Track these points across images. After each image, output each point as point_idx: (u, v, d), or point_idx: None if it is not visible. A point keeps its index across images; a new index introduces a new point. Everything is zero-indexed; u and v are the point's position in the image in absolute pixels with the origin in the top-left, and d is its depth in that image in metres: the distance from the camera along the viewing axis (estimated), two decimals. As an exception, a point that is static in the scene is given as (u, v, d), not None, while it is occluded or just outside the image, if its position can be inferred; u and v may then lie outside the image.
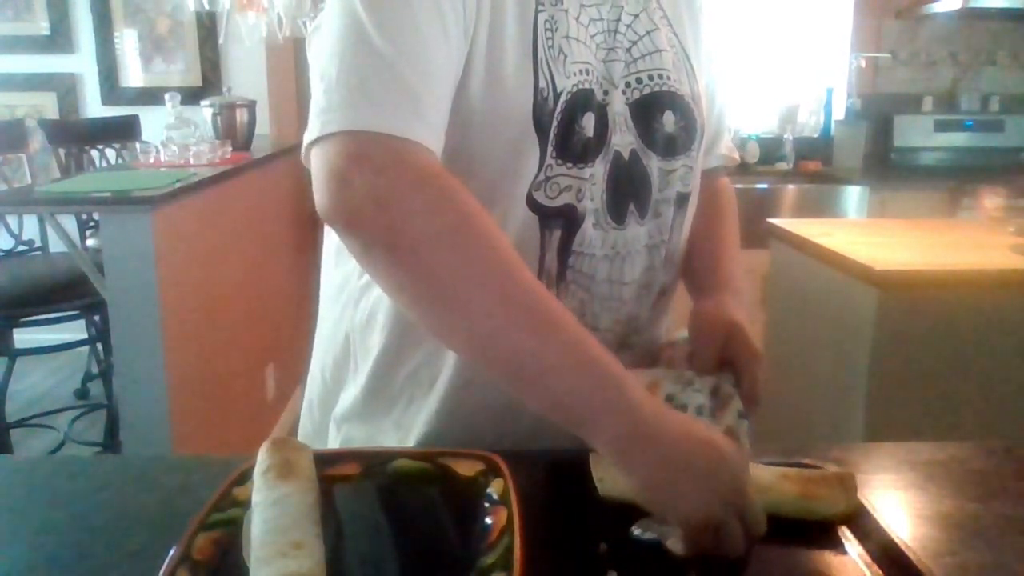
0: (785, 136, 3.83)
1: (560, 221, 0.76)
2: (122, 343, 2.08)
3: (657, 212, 0.83)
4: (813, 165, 3.77)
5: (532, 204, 0.75)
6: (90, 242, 2.93)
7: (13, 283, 2.53)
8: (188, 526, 0.63)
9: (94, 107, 3.71)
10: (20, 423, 2.92)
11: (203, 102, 2.96)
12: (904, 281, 1.77)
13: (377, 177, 0.63)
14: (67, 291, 2.48)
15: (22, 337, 2.71)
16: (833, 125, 3.86)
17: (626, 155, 0.79)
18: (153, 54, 3.65)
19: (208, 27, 3.58)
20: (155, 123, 3.02)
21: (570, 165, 0.75)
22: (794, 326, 2.25)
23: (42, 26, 3.65)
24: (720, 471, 0.61)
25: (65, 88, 3.70)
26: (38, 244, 3.03)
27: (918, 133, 3.80)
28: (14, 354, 2.68)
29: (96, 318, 2.74)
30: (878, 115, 3.80)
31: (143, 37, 3.64)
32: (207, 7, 3.03)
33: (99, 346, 2.97)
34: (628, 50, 0.80)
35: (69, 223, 2.80)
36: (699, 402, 0.74)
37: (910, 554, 0.62)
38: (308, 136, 0.67)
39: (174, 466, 0.87)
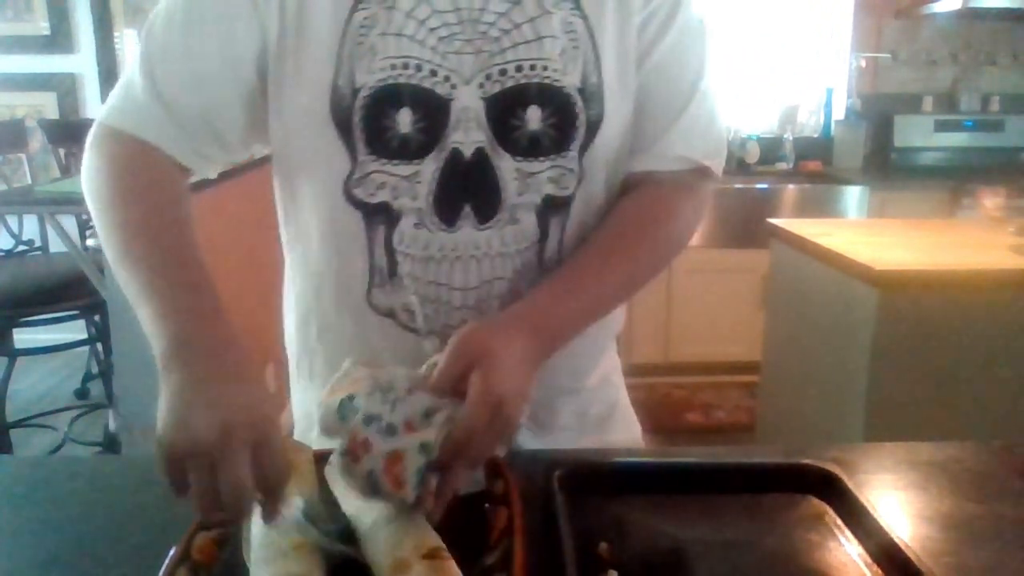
0: (785, 136, 3.83)
1: (381, 218, 0.76)
2: (122, 343, 2.08)
3: (514, 218, 0.77)
4: (813, 165, 3.77)
5: (352, 200, 0.76)
6: (90, 242, 2.92)
7: (13, 283, 2.53)
8: (188, 526, 0.63)
9: (94, 107, 3.70)
10: (20, 423, 2.92)
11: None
12: (904, 281, 1.77)
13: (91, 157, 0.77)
14: (67, 291, 2.48)
15: (22, 337, 2.71)
16: (833, 125, 3.87)
17: (468, 153, 0.75)
18: (153, 54, 3.66)
19: (208, 27, 3.58)
20: (155, 123, 3.01)
21: (385, 162, 0.74)
22: (794, 326, 2.25)
23: (42, 26, 3.65)
24: (237, 397, 0.56)
25: (65, 88, 3.70)
26: (38, 244, 3.03)
27: (918, 133, 3.80)
28: (14, 354, 2.68)
29: (96, 318, 2.74)
30: (878, 115, 3.80)
31: (143, 37, 3.64)
32: (207, 7, 3.02)
33: (99, 346, 2.97)
34: (496, 40, 0.74)
35: (69, 223, 2.80)
36: (387, 419, 0.61)
37: (910, 554, 0.62)
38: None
39: (174, 466, 0.86)
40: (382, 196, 0.76)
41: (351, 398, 0.64)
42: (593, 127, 0.78)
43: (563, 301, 0.75)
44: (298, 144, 0.77)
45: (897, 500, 0.77)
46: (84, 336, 2.92)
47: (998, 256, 1.89)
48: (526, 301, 0.75)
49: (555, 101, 0.76)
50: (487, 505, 0.69)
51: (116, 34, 3.64)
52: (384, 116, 0.73)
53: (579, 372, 0.90)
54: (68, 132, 3.20)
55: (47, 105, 3.70)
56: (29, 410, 3.10)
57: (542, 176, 0.77)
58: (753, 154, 3.80)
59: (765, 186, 3.50)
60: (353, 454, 0.61)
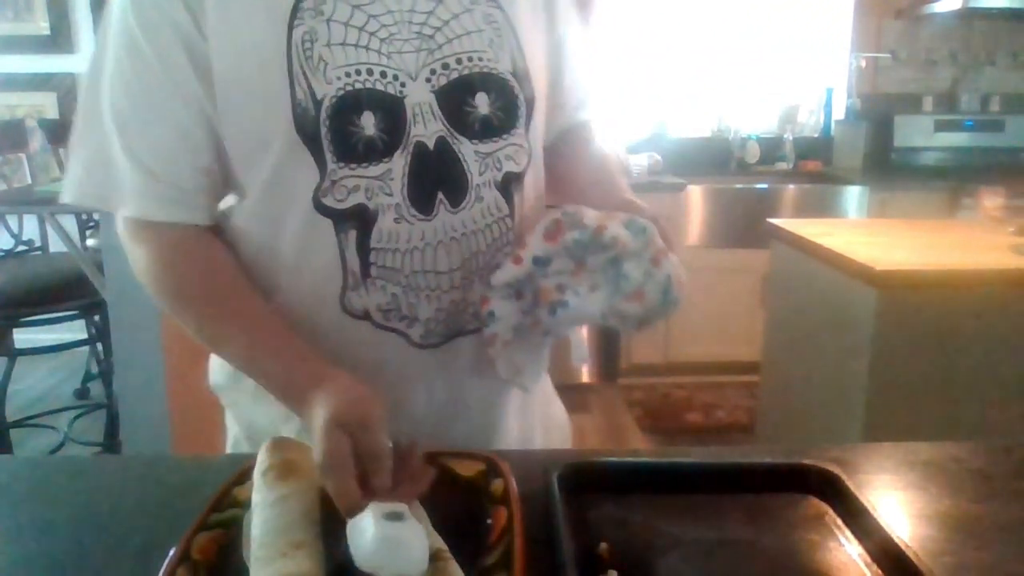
0: (785, 136, 3.83)
1: (353, 222, 0.78)
2: (122, 343, 2.08)
3: (480, 196, 0.82)
4: (813, 165, 3.77)
5: (322, 209, 0.78)
6: (90, 242, 2.93)
7: (13, 283, 2.53)
8: (188, 526, 0.63)
9: (94, 107, 3.70)
10: (20, 423, 2.92)
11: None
12: (904, 281, 1.77)
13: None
14: (67, 291, 2.48)
15: (22, 337, 2.71)
16: (833, 125, 3.87)
17: (431, 144, 0.79)
18: (153, 54, 3.66)
19: (208, 27, 3.58)
20: (155, 123, 3.01)
21: (354, 166, 0.77)
22: (794, 326, 2.25)
23: (42, 26, 3.66)
24: (339, 402, 0.68)
25: (65, 88, 3.70)
26: (38, 244, 3.03)
27: (918, 133, 3.80)
28: (14, 354, 2.68)
29: (96, 318, 2.74)
30: (878, 115, 3.80)
31: (143, 37, 3.64)
32: (207, 7, 3.02)
33: (99, 346, 2.97)
34: (431, 37, 0.80)
35: (69, 223, 2.80)
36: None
37: (910, 554, 0.62)
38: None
39: (174, 466, 0.87)
40: (355, 199, 0.78)
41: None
42: (531, 104, 0.86)
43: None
44: (259, 165, 0.79)
45: (897, 500, 0.77)
46: (84, 336, 2.92)
47: (998, 256, 1.89)
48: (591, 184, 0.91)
49: (496, 86, 0.82)
50: (487, 505, 0.69)
51: (116, 34, 3.64)
52: (349, 122, 0.76)
53: None
54: (68, 132, 3.19)
55: (47, 105, 3.70)
56: (29, 410, 3.10)
57: (499, 154, 0.83)
58: (753, 154, 3.80)
59: (765, 186, 3.50)
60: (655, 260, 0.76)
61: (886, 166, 3.78)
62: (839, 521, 0.71)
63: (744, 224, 3.25)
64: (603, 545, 0.66)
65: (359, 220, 0.78)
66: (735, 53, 3.86)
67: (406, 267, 0.80)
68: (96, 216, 2.76)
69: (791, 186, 3.47)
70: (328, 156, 0.76)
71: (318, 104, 0.75)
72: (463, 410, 0.89)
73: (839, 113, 3.88)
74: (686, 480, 0.76)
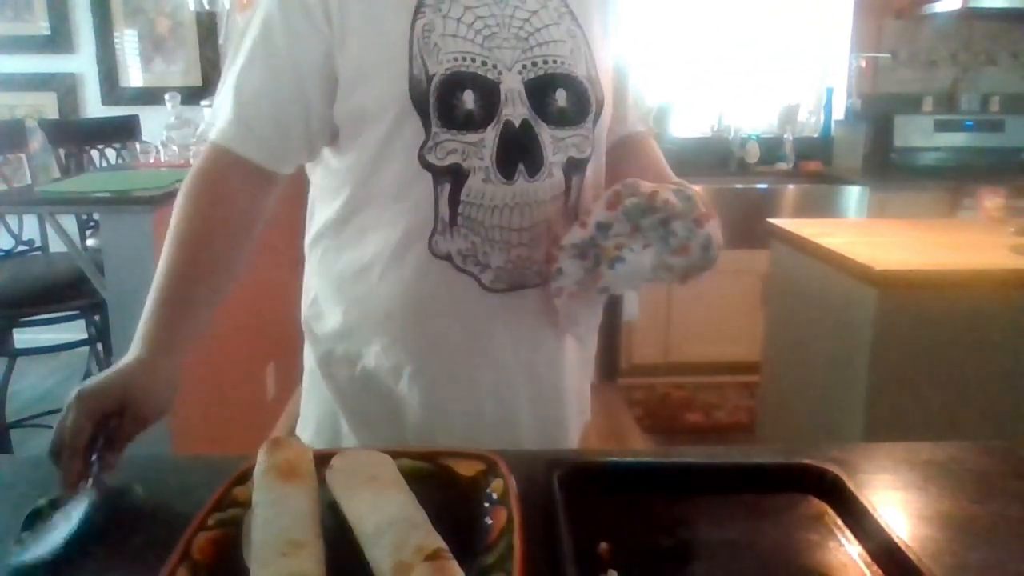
0: (785, 136, 3.84)
1: (449, 177, 0.94)
2: (122, 343, 2.07)
3: (551, 173, 0.98)
4: (813, 165, 3.77)
5: (424, 163, 0.94)
6: (90, 242, 2.92)
7: (13, 283, 2.52)
8: (188, 526, 0.63)
9: (94, 107, 3.71)
10: (20, 423, 2.92)
11: (203, 102, 2.96)
12: (904, 281, 1.78)
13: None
14: (67, 291, 2.48)
15: (22, 337, 2.71)
16: (833, 125, 3.87)
17: (517, 124, 0.96)
18: (153, 54, 3.66)
19: (208, 27, 3.59)
20: (155, 123, 3.02)
21: (455, 132, 0.93)
22: (794, 326, 2.25)
23: (42, 26, 3.66)
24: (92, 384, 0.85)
25: (65, 88, 3.70)
26: (38, 244, 3.02)
27: (918, 133, 3.80)
28: (14, 354, 2.68)
29: (96, 318, 2.74)
30: (878, 115, 3.80)
31: (143, 37, 3.64)
32: (207, 7, 3.03)
33: (99, 346, 2.97)
34: (525, 40, 0.97)
35: (69, 223, 2.80)
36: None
37: (910, 554, 0.62)
38: None
39: (174, 466, 0.87)
40: (452, 159, 0.94)
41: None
42: (600, 106, 1.02)
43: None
44: (377, 125, 0.94)
45: (897, 500, 0.77)
46: (84, 336, 2.92)
47: (998, 256, 1.89)
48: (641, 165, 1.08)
49: (574, 86, 0.99)
50: (487, 505, 0.69)
51: (116, 34, 3.64)
52: (453, 97, 0.93)
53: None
54: (68, 132, 3.20)
55: (47, 105, 3.70)
56: (29, 410, 3.10)
57: (568, 141, 0.99)
58: (753, 154, 3.80)
59: (765, 186, 3.50)
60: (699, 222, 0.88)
61: (886, 166, 3.78)
62: (839, 521, 0.71)
63: (744, 224, 3.24)
64: (603, 545, 0.66)
65: (454, 176, 0.94)
66: (735, 53, 3.86)
67: (487, 220, 0.95)
68: (96, 216, 2.76)
69: (791, 186, 3.47)
70: (434, 121, 0.93)
71: (430, 79, 0.92)
72: (530, 356, 1.02)
73: (839, 113, 3.88)
74: (686, 480, 0.76)
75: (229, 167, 0.98)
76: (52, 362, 3.49)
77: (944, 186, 3.29)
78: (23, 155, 2.98)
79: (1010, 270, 1.80)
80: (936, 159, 3.79)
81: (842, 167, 3.75)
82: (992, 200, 2.42)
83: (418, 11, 0.95)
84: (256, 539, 0.61)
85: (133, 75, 3.68)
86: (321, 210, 1.05)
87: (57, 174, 3.03)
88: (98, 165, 3.15)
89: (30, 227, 3.02)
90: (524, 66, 0.97)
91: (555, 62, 0.98)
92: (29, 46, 3.67)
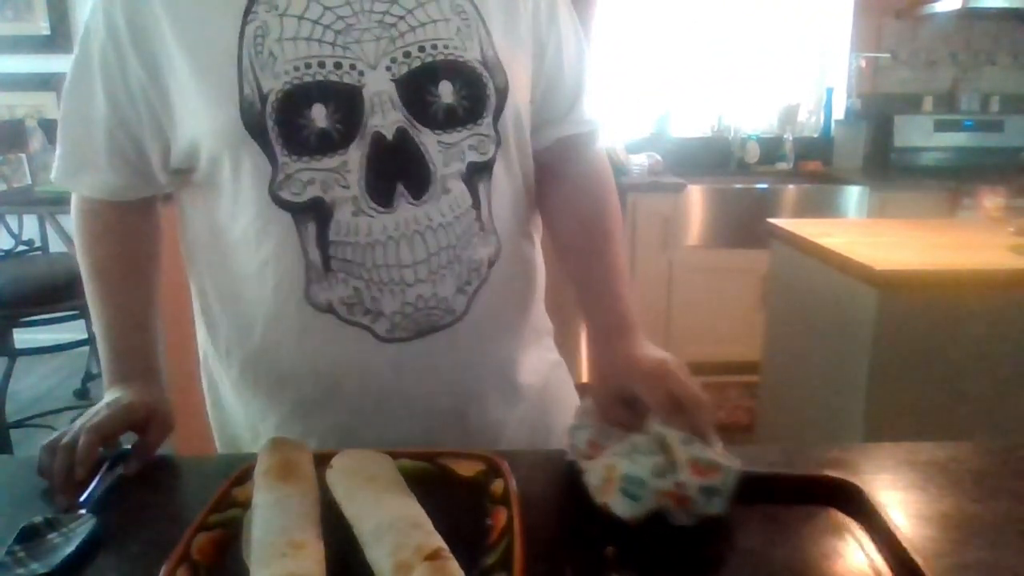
0: (785, 136, 3.83)
1: (311, 215, 0.78)
2: (122, 343, 2.08)
3: (445, 188, 0.80)
4: (813, 165, 3.77)
5: (280, 203, 0.78)
6: (90, 242, 2.92)
7: (13, 283, 2.53)
8: (188, 526, 0.63)
9: (94, 107, 3.71)
10: (20, 423, 2.92)
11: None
12: (904, 281, 1.77)
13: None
14: (67, 291, 2.48)
15: (22, 337, 2.71)
16: (833, 125, 3.86)
17: (390, 135, 0.78)
18: (153, 54, 3.66)
19: (208, 27, 3.58)
20: (155, 123, 3.01)
21: (308, 159, 0.77)
22: (794, 326, 2.25)
23: (42, 26, 3.65)
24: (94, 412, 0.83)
25: (65, 88, 3.70)
26: (38, 244, 3.03)
27: (918, 133, 3.80)
28: (14, 354, 2.68)
29: (96, 318, 2.73)
30: (878, 115, 3.80)
31: (143, 37, 3.64)
32: (207, 7, 3.02)
33: (99, 346, 2.97)
34: (392, 26, 0.78)
35: (69, 223, 2.80)
36: (652, 463, 0.70)
37: (914, 555, 0.62)
38: None
39: (174, 466, 0.87)
40: (311, 192, 0.78)
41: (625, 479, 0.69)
42: (502, 94, 0.83)
43: (628, 295, 0.88)
44: (215, 161, 0.79)
45: (897, 500, 0.77)
46: (84, 336, 2.92)
47: (998, 256, 1.89)
48: (615, 308, 0.86)
49: (463, 74, 0.80)
50: (487, 505, 0.69)
51: (116, 34, 3.64)
52: (297, 116, 0.76)
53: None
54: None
55: (47, 105, 3.70)
56: (29, 410, 3.10)
57: (463, 144, 0.81)
58: (753, 154, 3.80)
59: (765, 186, 3.50)
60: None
61: (886, 166, 3.78)
62: (860, 534, 0.69)
63: (744, 224, 3.25)
64: (609, 549, 0.65)
65: (317, 213, 0.78)
66: (735, 53, 3.85)
67: (367, 261, 0.79)
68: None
69: (791, 186, 3.47)
70: (277, 149, 0.76)
71: (263, 99, 0.75)
72: (457, 405, 0.88)
73: (839, 113, 3.87)
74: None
75: (85, 203, 0.91)
76: (52, 362, 3.49)
77: (944, 186, 3.29)
78: (23, 155, 2.98)
79: (1010, 270, 1.79)
80: (936, 159, 3.79)
81: (842, 167, 3.75)
82: (992, 200, 2.42)
83: (249, 12, 0.76)
84: (256, 539, 0.61)
85: (133, 75, 3.68)
86: (190, 254, 0.93)
87: (57, 174, 3.02)
88: (98, 165, 3.15)
89: (30, 227, 3.02)
90: (393, 59, 0.78)
91: (435, 48, 0.79)
92: (29, 46, 3.67)
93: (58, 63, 3.68)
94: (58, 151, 0.88)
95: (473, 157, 0.82)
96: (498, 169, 0.85)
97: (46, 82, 3.69)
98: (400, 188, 0.78)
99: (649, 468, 0.69)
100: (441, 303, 0.83)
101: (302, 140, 0.76)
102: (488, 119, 0.83)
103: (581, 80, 0.95)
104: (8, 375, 2.66)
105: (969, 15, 3.65)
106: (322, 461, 0.73)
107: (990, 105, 3.84)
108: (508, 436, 0.93)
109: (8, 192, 2.74)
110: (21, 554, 0.66)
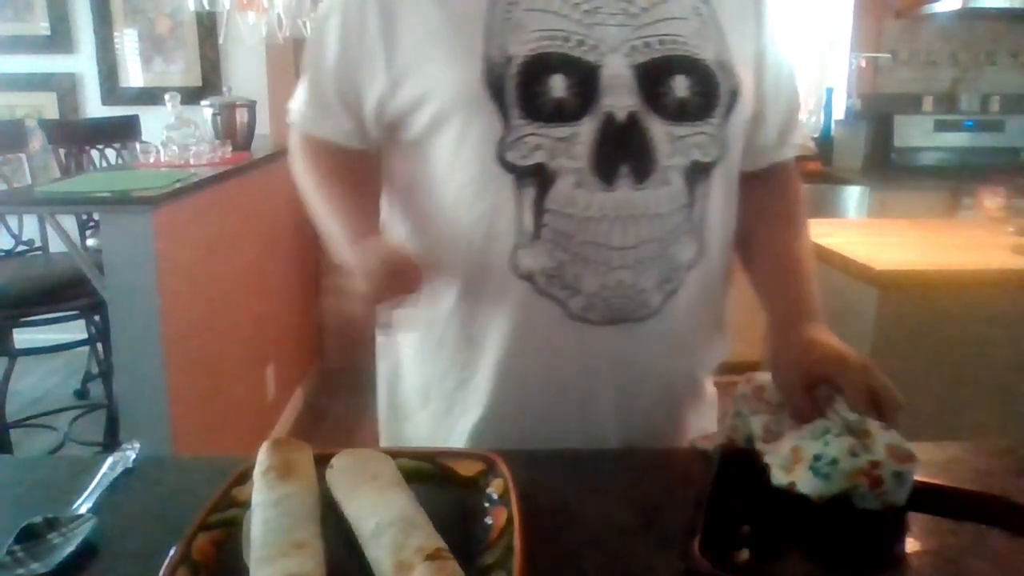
0: (785, 136, 3.83)
1: (533, 180, 0.80)
2: (122, 343, 2.08)
3: (666, 179, 0.81)
4: (813, 165, 3.77)
5: (504, 164, 0.80)
6: (90, 242, 2.92)
7: (13, 283, 2.52)
8: (188, 526, 0.63)
9: (94, 107, 3.70)
10: (20, 423, 2.92)
11: (203, 102, 2.96)
12: (904, 281, 1.77)
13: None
14: (67, 291, 2.48)
15: (22, 337, 2.71)
16: (833, 125, 3.86)
17: (621, 117, 0.79)
18: (153, 54, 3.65)
19: (208, 27, 3.58)
20: (155, 123, 3.01)
21: (540, 124, 0.79)
22: (794, 326, 2.24)
23: (42, 26, 3.65)
24: (369, 260, 0.81)
25: (65, 88, 3.70)
26: (38, 244, 3.02)
27: (918, 133, 3.80)
28: (14, 354, 2.67)
29: (96, 318, 2.74)
30: (878, 115, 3.80)
31: (143, 37, 3.64)
32: (207, 7, 3.02)
33: (99, 346, 2.97)
34: (636, 16, 0.81)
35: (69, 223, 2.80)
36: (846, 444, 0.71)
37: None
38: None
39: (174, 466, 0.87)
40: (537, 158, 0.79)
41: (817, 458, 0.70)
42: (733, 97, 0.85)
43: (813, 290, 0.89)
44: (448, 115, 0.81)
45: (897, 500, 0.76)
46: (84, 336, 2.92)
47: (998, 256, 1.89)
48: (799, 297, 0.89)
49: (698, 71, 0.82)
50: (487, 505, 0.69)
51: (116, 34, 3.64)
52: (537, 82, 0.78)
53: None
54: (68, 132, 3.20)
55: (47, 105, 3.70)
56: (29, 410, 3.10)
57: (689, 140, 0.82)
58: (753, 154, 3.80)
59: (765, 186, 3.50)
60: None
61: (886, 166, 3.78)
62: None
63: (744, 224, 3.24)
64: (745, 528, 0.66)
65: (538, 179, 0.80)
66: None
67: (578, 235, 0.80)
68: (96, 216, 2.76)
69: (791, 186, 3.47)
70: (513, 112, 0.79)
71: (508, 61, 0.78)
72: (630, 402, 0.88)
73: (839, 113, 3.87)
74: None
75: (319, 145, 0.94)
76: (52, 362, 3.49)
77: (944, 186, 3.29)
78: (23, 155, 2.98)
79: (1010, 270, 1.79)
80: (936, 159, 3.79)
81: (842, 167, 3.75)
82: (992, 200, 2.42)
83: None
84: (256, 539, 0.61)
85: (133, 75, 3.68)
86: (392, 212, 0.95)
87: (57, 174, 3.03)
88: (98, 165, 3.15)
89: (30, 227, 3.02)
90: (634, 47, 0.80)
91: (674, 42, 0.82)
92: (29, 46, 3.66)
93: (58, 63, 3.68)
94: (302, 97, 0.93)
95: (697, 156, 0.83)
96: (717, 174, 0.86)
97: (46, 82, 3.69)
98: (624, 170, 0.80)
99: (844, 448, 0.70)
100: (639, 294, 0.83)
101: (538, 106, 0.79)
102: (716, 120, 0.84)
103: (794, 105, 0.98)
104: (8, 375, 2.66)
105: (969, 15, 3.65)
106: (322, 461, 0.73)
107: (990, 105, 3.84)
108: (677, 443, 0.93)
109: (8, 192, 2.73)
110: (21, 554, 0.66)
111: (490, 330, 0.86)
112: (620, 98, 0.79)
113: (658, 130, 0.80)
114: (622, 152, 0.80)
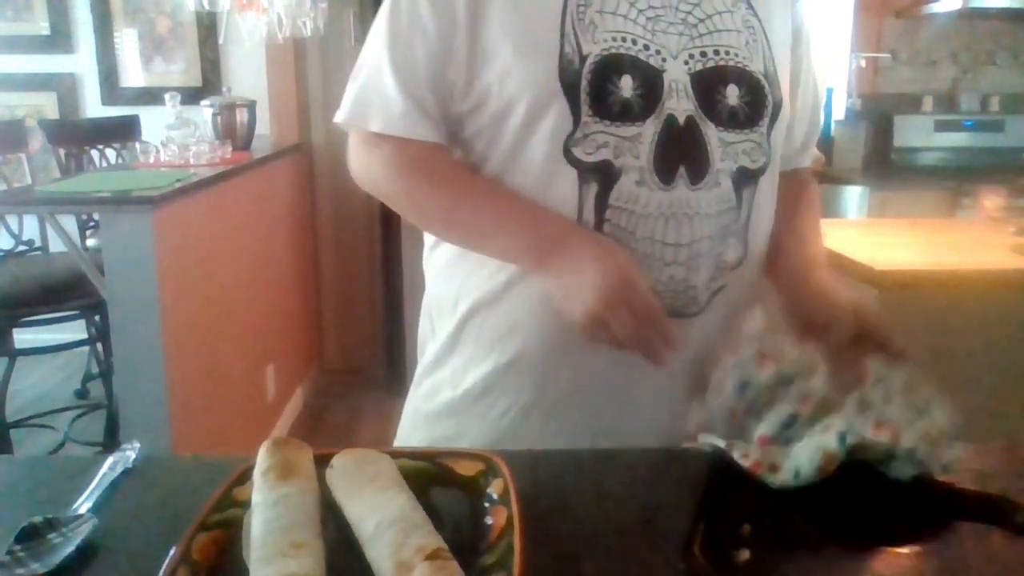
0: (785, 136, 3.83)
1: (597, 176, 0.82)
2: (122, 343, 2.08)
3: (717, 182, 0.85)
4: (813, 165, 3.77)
5: (571, 159, 0.83)
6: (90, 242, 2.93)
7: (13, 283, 2.53)
8: (188, 526, 0.63)
9: (94, 107, 3.71)
10: (20, 423, 2.92)
11: (203, 102, 2.96)
12: (904, 281, 1.77)
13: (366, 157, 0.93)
14: (67, 291, 2.48)
15: (22, 337, 2.71)
16: (833, 125, 3.86)
17: (681, 120, 0.84)
18: (153, 54, 3.66)
19: (208, 27, 3.58)
20: (155, 123, 3.02)
21: (608, 123, 0.82)
22: (794, 326, 2.24)
23: (42, 26, 3.65)
24: (605, 265, 0.77)
25: (65, 88, 3.70)
26: (38, 244, 3.03)
27: (918, 133, 3.80)
28: (14, 354, 2.68)
29: (96, 318, 2.74)
30: (878, 115, 3.80)
31: (143, 37, 3.64)
32: (207, 7, 3.02)
33: (99, 346, 2.97)
34: (694, 26, 0.86)
35: (69, 223, 2.80)
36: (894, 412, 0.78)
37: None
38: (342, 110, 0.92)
39: (174, 466, 0.87)
40: (603, 155, 0.82)
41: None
42: (777, 107, 0.90)
43: (820, 254, 0.98)
44: (515, 107, 0.83)
45: (897, 500, 0.77)
46: (84, 336, 2.92)
47: (998, 256, 1.89)
48: (804, 256, 0.96)
49: (748, 82, 0.87)
50: (487, 505, 0.69)
51: (116, 34, 3.64)
52: (608, 81, 0.82)
53: None
54: (68, 132, 3.20)
55: (47, 105, 3.70)
56: (29, 410, 3.10)
57: (738, 147, 0.87)
58: (753, 154, 3.80)
59: (765, 186, 3.50)
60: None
61: (886, 166, 3.78)
62: None
63: (744, 224, 3.24)
64: (746, 527, 0.67)
65: (603, 175, 0.82)
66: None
67: (638, 231, 0.84)
68: (96, 216, 2.76)
69: (791, 186, 3.47)
70: (584, 108, 0.82)
71: (583, 59, 0.81)
72: (660, 397, 0.90)
73: (839, 113, 3.87)
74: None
75: (422, 151, 0.89)
76: (52, 362, 3.49)
77: (944, 186, 3.29)
78: (23, 155, 2.98)
79: (1010, 270, 1.79)
80: (936, 159, 3.79)
81: (842, 167, 3.75)
82: (992, 200, 2.42)
83: None
84: (256, 539, 0.61)
85: (133, 75, 3.68)
86: None
87: (57, 174, 3.03)
88: (98, 165, 3.15)
89: (30, 227, 3.02)
90: (691, 55, 0.85)
91: (727, 53, 0.86)
92: (29, 46, 3.66)
93: (58, 63, 3.68)
94: (400, 103, 0.88)
95: (745, 162, 0.88)
96: (763, 182, 0.90)
97: (46, 82, 3.69)
98: (681, 170, 0.84)
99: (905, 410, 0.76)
100: (690, 291, 0.87)
101: (608, 104, 0.82)
102: (763, 128, 0.89)
103: (816, 117, 1.05)
104: (8, 375, 2.66)
105: (969, 15, 3.65)
106: (322, 461, 0.73)
107: (990, 105, 3.84)
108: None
109: (8, 192, 2.74)
110: (21, 554, 0.66)
111: (537, 321, 0.87)
112: (680, 102, 0.83)
113: (712, 135, 0.85)
114: (680, 153, 0.83)
